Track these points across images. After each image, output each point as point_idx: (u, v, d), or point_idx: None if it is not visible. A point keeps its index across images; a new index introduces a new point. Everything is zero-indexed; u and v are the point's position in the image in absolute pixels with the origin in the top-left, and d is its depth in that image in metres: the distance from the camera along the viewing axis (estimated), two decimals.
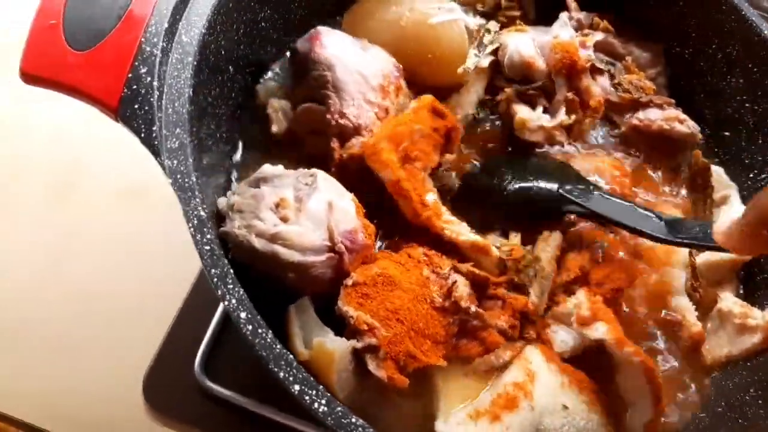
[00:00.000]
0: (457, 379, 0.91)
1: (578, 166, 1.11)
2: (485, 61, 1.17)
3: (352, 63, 1.04)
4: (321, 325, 0.87)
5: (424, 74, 1.16)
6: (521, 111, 1.14)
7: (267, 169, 0.92)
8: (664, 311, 1.03)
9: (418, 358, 0.86)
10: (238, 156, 1.09)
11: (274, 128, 1.06)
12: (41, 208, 1.36)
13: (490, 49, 1.18)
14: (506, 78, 1.18)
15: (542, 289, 0.96)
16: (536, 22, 1.26)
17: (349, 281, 0.88)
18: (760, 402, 0.92)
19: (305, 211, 0.86)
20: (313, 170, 0.90)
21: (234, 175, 1.07)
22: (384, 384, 0.85)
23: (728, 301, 1.03)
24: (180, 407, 1.14)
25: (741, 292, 1.10)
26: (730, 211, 1.11)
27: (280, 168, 0.93)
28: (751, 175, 1.15)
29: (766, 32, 1.10)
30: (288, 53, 1.09)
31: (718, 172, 1.15)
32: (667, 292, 1.03)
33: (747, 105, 1.15)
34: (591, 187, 1.02)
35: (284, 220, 0.86)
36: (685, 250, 1.04)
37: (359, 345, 0.84)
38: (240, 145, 1.09)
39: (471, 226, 1.01)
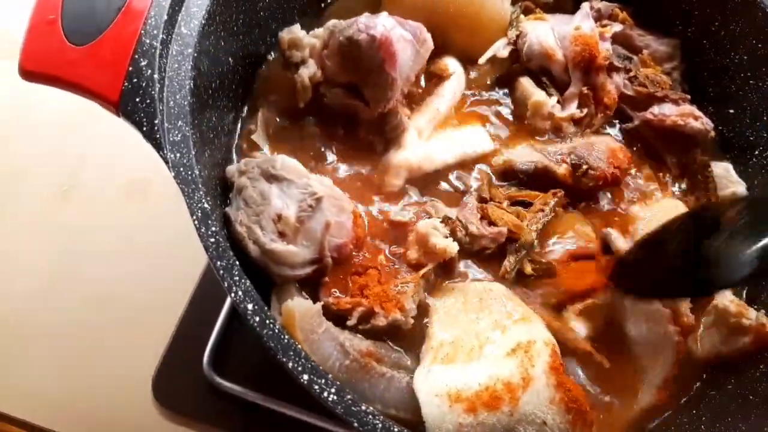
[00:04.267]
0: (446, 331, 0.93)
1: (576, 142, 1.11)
2: (505, 52, 1.17)
3: (405, 69, 1.04)
4: (293, 293, 0.91)
5: (455, 40, 1.16)
6: (537, 94, 1.14)
7: (279, 163, 0.94)
8: None
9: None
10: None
11: (301, 104, 1.06)
12: (46, 208, 1.36)
13: (512, 35, 1.18)
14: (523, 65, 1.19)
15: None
16: (555, 8, 1.25)
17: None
18: None
19: (303, 231, 0.91)
20: (320, 192, 0.93)
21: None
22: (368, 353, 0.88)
23: (725, 298, 1.01)
24: (189, 404, 1.15)
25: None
26: None
27: (294, 165, 0.95)
28: (756, 152, 1.14)
29: None
30: (339, 37, 1.01)
31: (726, 168, 1.15)
32: None
33: (751, 82, 1.15)
34: None
35: (282, 235, 0.90)
36: None
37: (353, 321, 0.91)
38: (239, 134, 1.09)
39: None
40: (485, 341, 0.90)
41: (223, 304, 1.18)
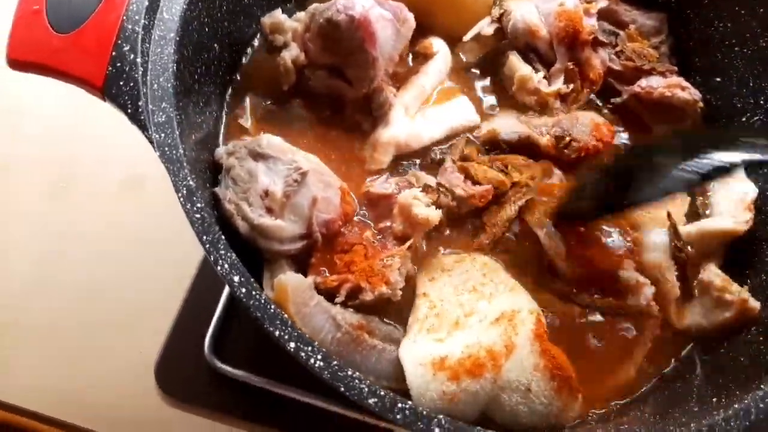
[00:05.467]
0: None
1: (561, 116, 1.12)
2: (489, 29, 1.18)
3: (387, 48, 1.05)
4: (285, 268, 0.92)
5: (439, 20, 1.17)
6: (524, 69, 1.14)
7: (265, 141, 0.95)
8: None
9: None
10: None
11: (285, 87, 1.08)
12: (43, 203, 1.38)
13: (496, 13, 1.18)
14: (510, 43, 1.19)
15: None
16: None
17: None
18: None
19: (290, 206, 0.92)
20: (305, 167, 0.94)
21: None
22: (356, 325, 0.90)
23: (711, 272, 1.00)
24: (192, 390, 1.17)
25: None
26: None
27: (279, 143, 0.96)
28: (744, 119, 1.14)
29: None
30: (320, 19, 1.02)
31: None
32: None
33: (736, 49, 1.15)
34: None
35: (270, 210, 0.91)
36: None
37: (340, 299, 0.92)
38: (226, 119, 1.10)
39: None
40: (470, 312, 0.90)
41: (223, 291, 1.19)
